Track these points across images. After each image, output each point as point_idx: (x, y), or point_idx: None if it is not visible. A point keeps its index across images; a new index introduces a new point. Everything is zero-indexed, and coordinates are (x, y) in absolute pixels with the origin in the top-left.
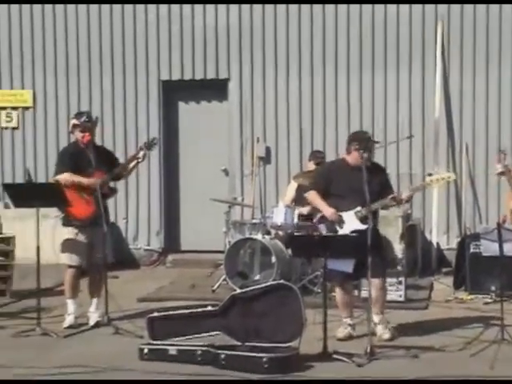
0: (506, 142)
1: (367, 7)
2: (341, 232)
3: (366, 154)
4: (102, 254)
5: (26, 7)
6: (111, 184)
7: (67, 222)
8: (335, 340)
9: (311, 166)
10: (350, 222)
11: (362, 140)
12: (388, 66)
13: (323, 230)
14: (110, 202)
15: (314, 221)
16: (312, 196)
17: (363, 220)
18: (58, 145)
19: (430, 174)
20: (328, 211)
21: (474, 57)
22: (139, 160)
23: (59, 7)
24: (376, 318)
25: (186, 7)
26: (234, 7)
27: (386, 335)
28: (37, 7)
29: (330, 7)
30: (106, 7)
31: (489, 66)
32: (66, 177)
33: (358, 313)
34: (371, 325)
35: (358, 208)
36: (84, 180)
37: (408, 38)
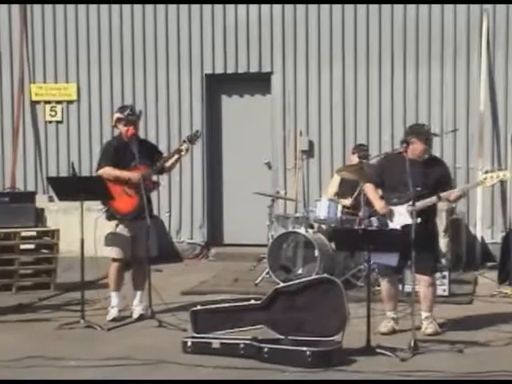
0: None
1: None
2: (391, 226)
3: (422, 145)
4: (146, 248)
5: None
6: (154, 178)
7: (110, 215)
8: (378, 334)
9: (354, 159)
10: (402, 217)
11: (419, 133)
12: (432, 59)
13: (375, 223)
14: (153, 195)
15: (360, 214)
16: (367, 189)
17: (413, 214)
18: (102, 138)
19: (486, 172)
20: (379, 205)
21: None
22: (182, 153)
23: (105, 13)
24: (423, 315)
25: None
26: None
27: (429, 330)
28: (82, 5)
29: (374, 10)
30: (159, 6)
31: None
32: (107, 171)
33: (402, 307)
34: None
35: (410, 203)
36: (125, 174)
37: (453, 32)
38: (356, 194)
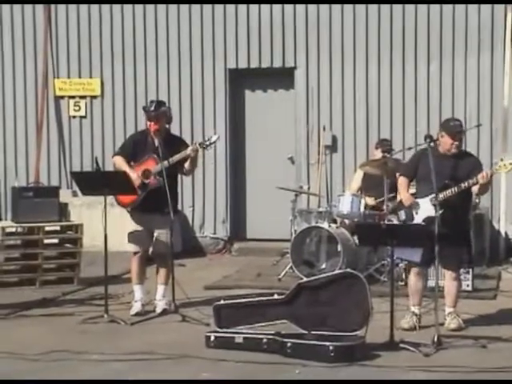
0: None
1: None
2: (417, 218)
3: (455, 141)
4: (170, 243)
5: None
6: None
7: (128, 210)
8: (401, 330)
9: (378, 154)
10: (426, 208)
11: (447, 128)
12: (456, 54)
13: (402, 216)
14: (188, 190)
15: (386, 208)
16: (400, 181)
17: (435, 207)
18: (125, 133)
19: (501, 159)
20: (404, 197)
21: None
22: (189, 154)
23: (128, 9)
24: (447, 310)
25: None
26: None
27: (453, 325)
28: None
29: (398, 6)
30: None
31: None
32: (117, 160)
33: (426, 302)
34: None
35: (433, 195)
36: (127, 170)
37: (477, 25)
38: (380, 199)
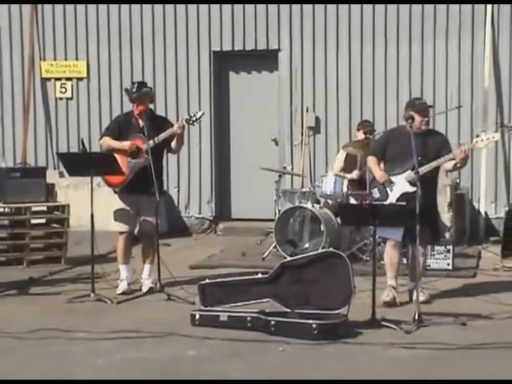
0: None
1: None
2: (391, 194)
3: (421, 120)
4: (155, 223)
5: None
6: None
7: (113, 190)
8: (383, 306)
9: (360, 135)
10: (401, 185)
11: (415, 106)
12: (437, 36)
13: (376, 194)
14: (173, 170)
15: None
16: (370, 161)
17: (413, 183)
18: (111, 115)
19: (477, 136)
20: (378, 174)
21: None
22: (176, 132)
23: None
24: (413, 283)
25: None
26: None
27: (421, 297)
28: None
29: None
30: None
31: None
32: (105, 140)
33: (406, 281)
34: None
35: (409, 171)
36: (117, 144)
37: (457, 8)
38: (361, 165)
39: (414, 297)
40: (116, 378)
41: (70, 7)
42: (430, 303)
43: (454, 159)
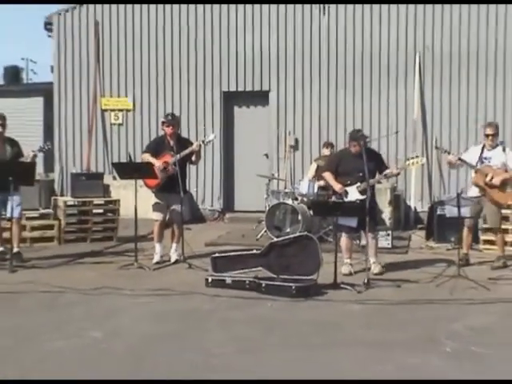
0: (463, 136)
1: (367, 41)
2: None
3: (357, 145)
4: (181, 213)
5: (129, 37)
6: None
7: (152, 190)
8: (342, 275)
9: (326, 151)
10: (353, 194)
11: (354, 138)
12: (381, 83)
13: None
14: (193, 176)
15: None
16: (327, 176)
17: (363, 192)
18: (150, 136)
19: (407, 159)
20: (337, 187)
21: (441, 79)
22: (194, 148)
23: (153, 40)
24: (372, 259)
25: (240, 37)
26: (273, 40)
27: (376, 270)
28: (137, 41)
29: (341, 46)
30: (190, 39)
31: (452, 85)
32: (145, 155)
33: (358, 256)
34: (368, 263)
35: (358, 184)
36: (152, 160)
37: (395, 65)
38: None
39: (372, 269)
40: (152, 321)
41: (122, 61)
42: (383, 274)
43: (396, 175)
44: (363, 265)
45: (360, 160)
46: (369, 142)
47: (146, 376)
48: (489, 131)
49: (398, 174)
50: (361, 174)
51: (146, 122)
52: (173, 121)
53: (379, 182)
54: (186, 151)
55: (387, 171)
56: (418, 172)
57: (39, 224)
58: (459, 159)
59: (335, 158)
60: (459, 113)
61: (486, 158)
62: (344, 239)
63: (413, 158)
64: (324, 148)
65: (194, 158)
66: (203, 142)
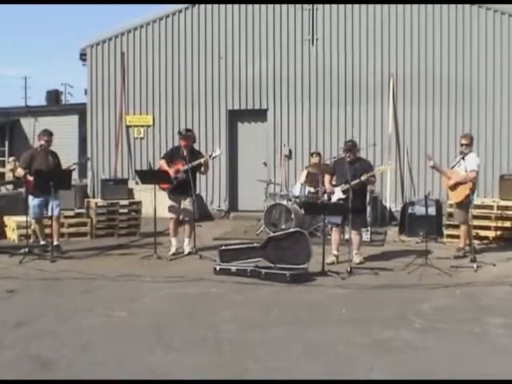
0: (429, 148)
1: (349, 67)
2: (333, 199)
3: (348, 153)
4: (192, 212)
5: (150, 65)
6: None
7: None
8: (327, 264)
9: (314, 160)
10: (338, 193)
11: (344, 146)
12: (361, 102)
13: (325, 197)
14: (203, 181)
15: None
16: (326, 178)
17: (344, 192)
18: (167, 148)
19: (378, 166)
20: (327, 187)
21: (411, 98)
22: (202, 162)
23: (169, 67)
24: (354, 251)
25: (243, 65)
26: (270, 67)
27: (357, 260)
28: (156, 68)
29: (327, 71)
30: (201, 66)
31: (420, 104)
32: (161, 162)
33: (342, 248)
34: (351, 255)
35: (343, 185)
36: (167, 169)
37: (373, 87)
38: (318, 187)
39: (354, 260)
40: (169, 303)
41: (143, 83)
42: (364, 263)
43: (365, 179)
44: (346, 255)
45: (350, 166)
46: (358, 152)
47: (164, 348)
48: (462, 141)
49: (366, 180)
50: (348, 178)
51: (163, 136)
52: (185, 135)
53: (367, 183)
54: (196, 162)
55: (362, 177)
56: (393, 177)
57: (75, 221)
58: (431, 166)
59: (334, 164)
60: (426, 127)
61: (458, 165)
62: (333, 233)
63: (379, 166)
64: (312, 157)
65: (202, 170)
66: (210, 156)
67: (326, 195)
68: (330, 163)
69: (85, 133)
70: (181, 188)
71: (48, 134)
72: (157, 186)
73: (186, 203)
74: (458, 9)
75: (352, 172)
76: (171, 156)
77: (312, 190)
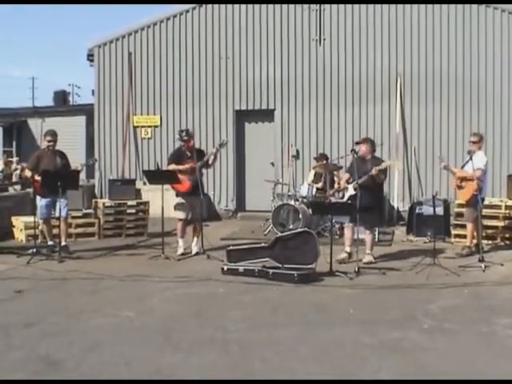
0: (437, 148)
1: (356, 67)
2: (346, 195)
3: (358, 150)
4: (200, 212)
5: (157, 65)
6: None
7: (176, 193)
8: (336, 262)
9: (320, 161)
10: (350, 190)
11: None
12: (369, 102)
13: (335, 198)
14: (211, 181)
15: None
16: (344, 176)
17: (355, 189)
18: (173, 147)
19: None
20: (342, 183)
21: (418, 98)
22: (214, 153)
23: (176, 67)
24: (366, 251)
25: (250, 66)
26: (278, 68)
27: (365, 259)
28: (163, 68)
29: (334, 71)
30: (208, 67)
31: (427, 103)
32: (172, 166)
33: (352, 248)
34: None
35: (354, 183)
36: (181, 167)
37: (380, 85)
38: (324, 181)
39: (364, 259)
40: (176, 303)
41: (151, 84)
42: (376, 263)
43: (372, 175)
44: (355, 256)
45: (363, 164)
46: (375, 150)
47: (172, 348)
48: (471, 139)
49: (376, 175)
50: (360, 176)
51: (170, 136)
52: (188, 135)
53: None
54: (210, 155)
55: (371, 172)
56: (400, 177)
57: (82, 222)
58: (444, 167)
59: (351, 163)
60: (434, 127)
61: (467, 164)
62: (346, 230)
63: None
64: (316, 161)
65: (210, 161)
66: (220, 145)
67: (339, 193)
68: (338, 163)
69: (92, 133)
70: (192, 188)
71: (51, 134)
72: (165, 186)
73: (196, 203)
74: (465, 8)
75: (365, 170)
76: (178, 158)
77: (319, 185)
